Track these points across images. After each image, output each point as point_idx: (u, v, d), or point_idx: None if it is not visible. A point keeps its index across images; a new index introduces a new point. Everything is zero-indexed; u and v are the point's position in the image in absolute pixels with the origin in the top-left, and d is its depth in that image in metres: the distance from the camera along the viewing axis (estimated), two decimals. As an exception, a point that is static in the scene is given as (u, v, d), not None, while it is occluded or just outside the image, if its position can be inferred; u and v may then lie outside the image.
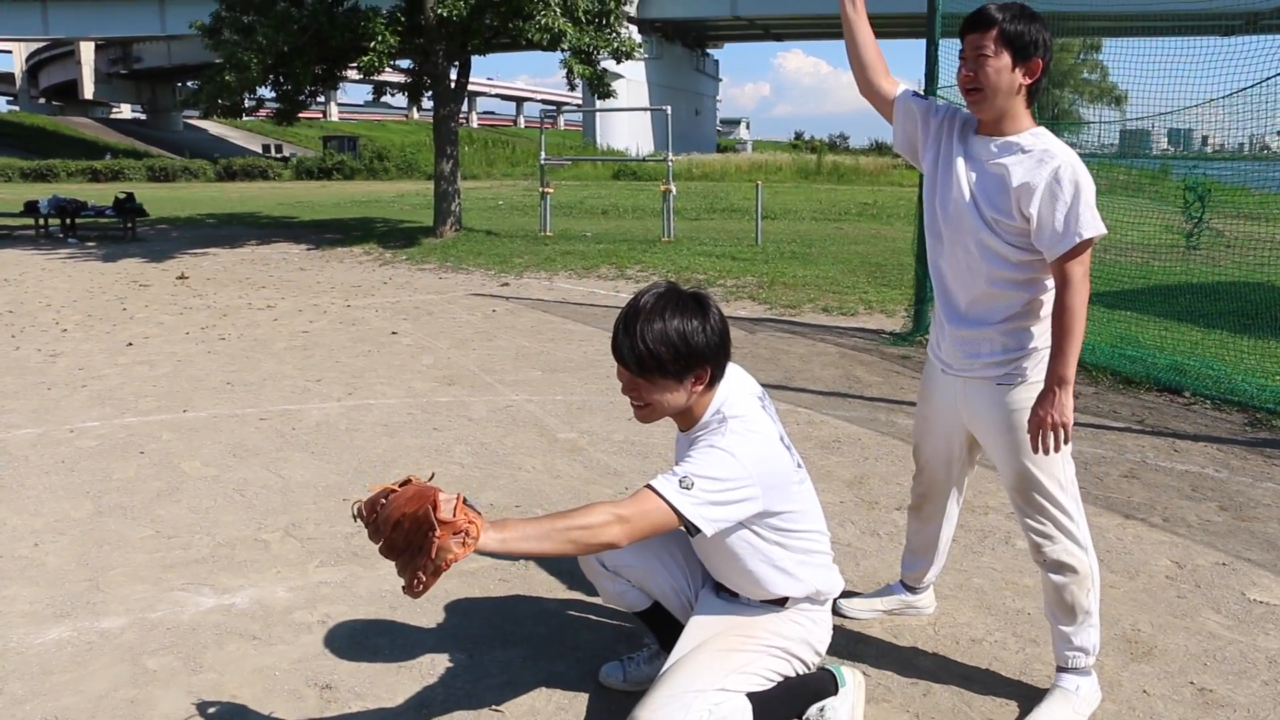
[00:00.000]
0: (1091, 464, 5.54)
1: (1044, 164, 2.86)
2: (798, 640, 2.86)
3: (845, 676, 3.03)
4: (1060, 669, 3.14)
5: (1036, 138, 2.93)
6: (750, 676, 2.74)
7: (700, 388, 2.75)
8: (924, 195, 3.23)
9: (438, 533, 2.20)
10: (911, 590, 3.75)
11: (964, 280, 3.08)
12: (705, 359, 2.70)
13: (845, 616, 3.74)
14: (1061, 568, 3.05)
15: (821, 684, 2.98)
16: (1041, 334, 2.99)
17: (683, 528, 2.53)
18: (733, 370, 2.89)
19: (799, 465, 2.85)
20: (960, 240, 3.04)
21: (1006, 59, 2.88)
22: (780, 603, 2.88)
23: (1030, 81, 2.91)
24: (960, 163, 3.03)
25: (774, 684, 2.82)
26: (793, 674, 2.86)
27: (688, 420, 2.81)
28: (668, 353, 2.64)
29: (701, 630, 2.86)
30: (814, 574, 2.86)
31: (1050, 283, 2.94)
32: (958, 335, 3.12)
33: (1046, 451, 2.89)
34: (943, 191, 3.08)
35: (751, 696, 2.72)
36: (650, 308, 2.68)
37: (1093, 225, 2.81)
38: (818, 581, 2.87)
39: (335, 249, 17.76)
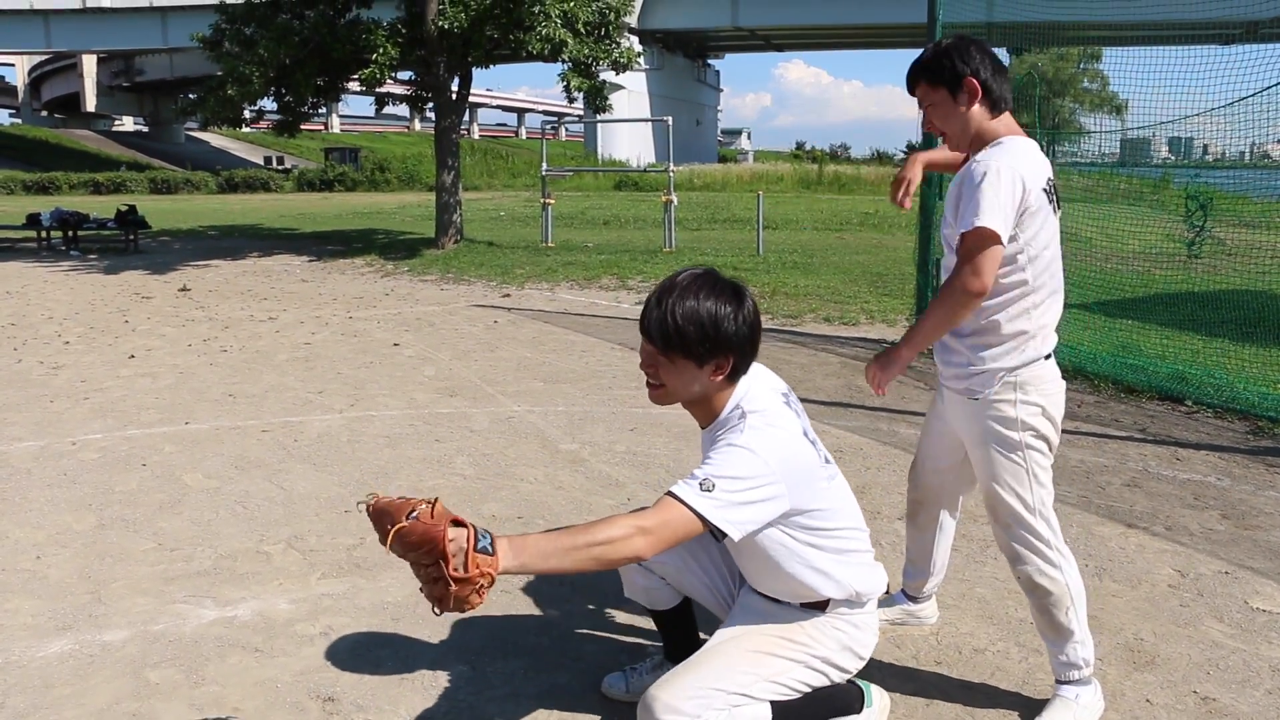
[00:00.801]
0: (1094, 473, 5.53)
1: (967, 167, 2.91)
2: (839, 648, 2.79)
3: (873, 697, 2.98)
4: (1058, 680, 3.14)
5: (993, 148, 2.95)
6: (780, 687, 2.69)
7: (720, 378, 2.65)
8: None
9: (453, 588, 2.20)
10: (913, 600, 3.74)
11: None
12: (730, 347, 2.61)
13: None
14: (1035, 589, 3.06)
15: (848, 699, 2.93)
16: (1000, 355, 2.99)
17: (709, 532, 2.44)
18: (756, 367, 2.79)
19: (827, 461, 2.76)
20: (947, 255, 3.10)
21: (943, 94, 2.99)
22: (821, 606, 2.79)
23: (976, 99, 2.96)
24: (954, 185, 3.07)
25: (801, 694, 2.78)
26: (827, 684, 2.81)
27: (707, 415, 2.72)
28: (695, 332, 2.57)
29: (740, 625, 2.81)
30: (853, 574, 2.78)
31: (1017, 303, 2.96)
32: (941, 345, 3.18)
33: (877, 391, 3.13)
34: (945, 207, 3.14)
35: (774, 704, 2.69)
36: (686, 285, 2.63)
37: (987, 215, 2.78)
38: (857, 582, 2.78)
39: (337, 261, 17.78)
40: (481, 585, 2.22)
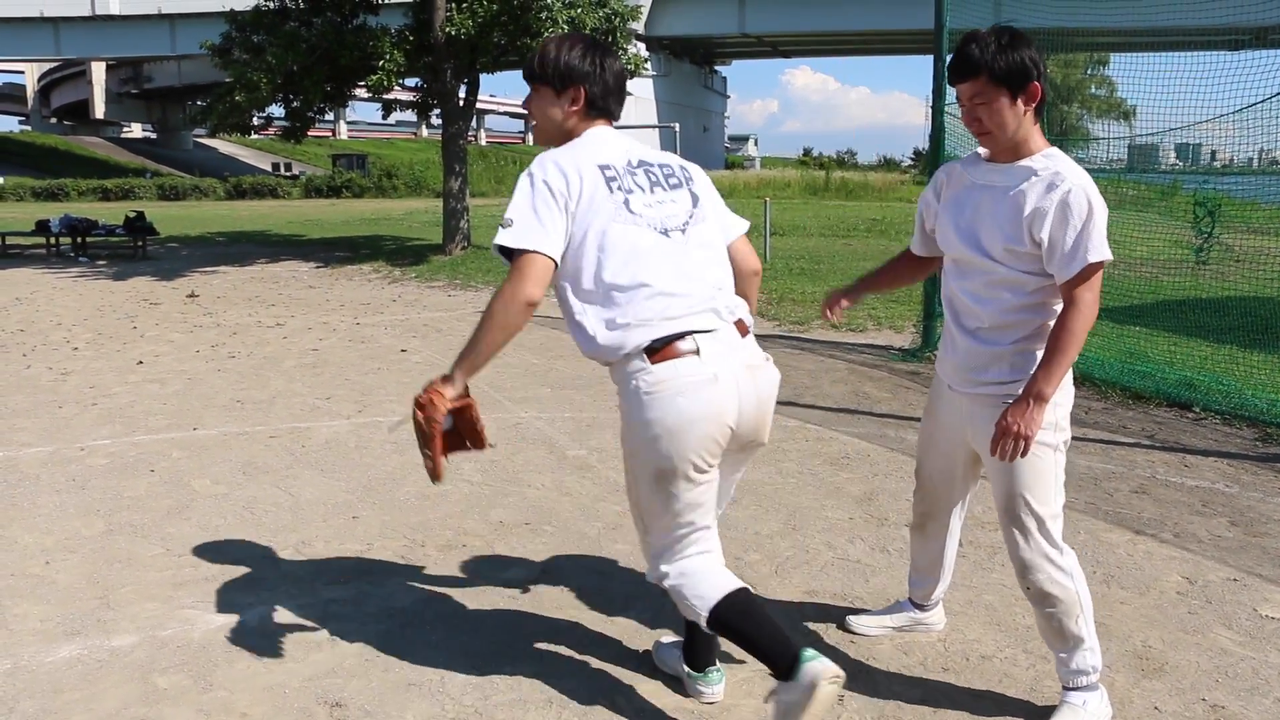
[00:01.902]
0: (1101, 479, 5.53)
1: (1055, 188, 2.82)
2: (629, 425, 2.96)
3: (806, 671, 2.70)
4: (1066, 687, 3.13)
5: (1049, 160, 2.89)
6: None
7: (576, 109, 3.04)
8: (939, 223, 3.21)
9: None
10: (920, 607, 3.73)
11: (978, 305, 3.05)
12: (578, 80, 3.01)
13: (854, 633, 3.73)
14: (1045, 598, 3.03)
15: (784, 651, 2.79)
16: None
17: (551, 262, 2.84)
18: (613, 134, 3.09)
19: (634, 214, 2.93)
20: (974, 267, 3.03)
21: (1004, 97, 2.85)
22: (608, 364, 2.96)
23: (1033, 104, 2.87)
24: (971, 194, 3.03)
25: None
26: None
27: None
28: (541, 58, 3.04)
29: None
30: (624, 333, 2.86)
31: (1060, 306, 2.91)
32: (968, 353, 3.09)
33: (1002, 458, 2.88)
34: (955, 220, 3.08)
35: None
36: (571, 35, 3.12)
37: (1100, 249, 2.78)
38: (625, 337, 2.86)
39: (344, 267, 17.81)
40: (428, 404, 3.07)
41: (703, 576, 2.99)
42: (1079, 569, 3.08)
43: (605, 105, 3.09)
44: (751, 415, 2.98)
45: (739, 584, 2.97)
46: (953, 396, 3.21)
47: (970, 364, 3.09)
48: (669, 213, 2.99)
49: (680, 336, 2.83)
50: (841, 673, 2.73)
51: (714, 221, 3.13)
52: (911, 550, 3.68)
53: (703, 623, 2.95)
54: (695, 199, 3.08)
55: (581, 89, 3.03)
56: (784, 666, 2.76)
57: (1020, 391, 2.91)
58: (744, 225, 3.25)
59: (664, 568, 3.03)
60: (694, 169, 3.19)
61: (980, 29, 2.91)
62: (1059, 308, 2.90)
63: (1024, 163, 2.91)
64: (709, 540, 3.05)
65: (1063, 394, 2.96)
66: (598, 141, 3.04)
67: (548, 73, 3.04)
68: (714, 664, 3.30)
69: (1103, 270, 2.82)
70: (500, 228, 2.84)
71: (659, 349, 2.83)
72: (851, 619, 3.77)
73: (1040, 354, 2.92)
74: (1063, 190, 2.80)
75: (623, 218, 2.90)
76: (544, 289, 2.86)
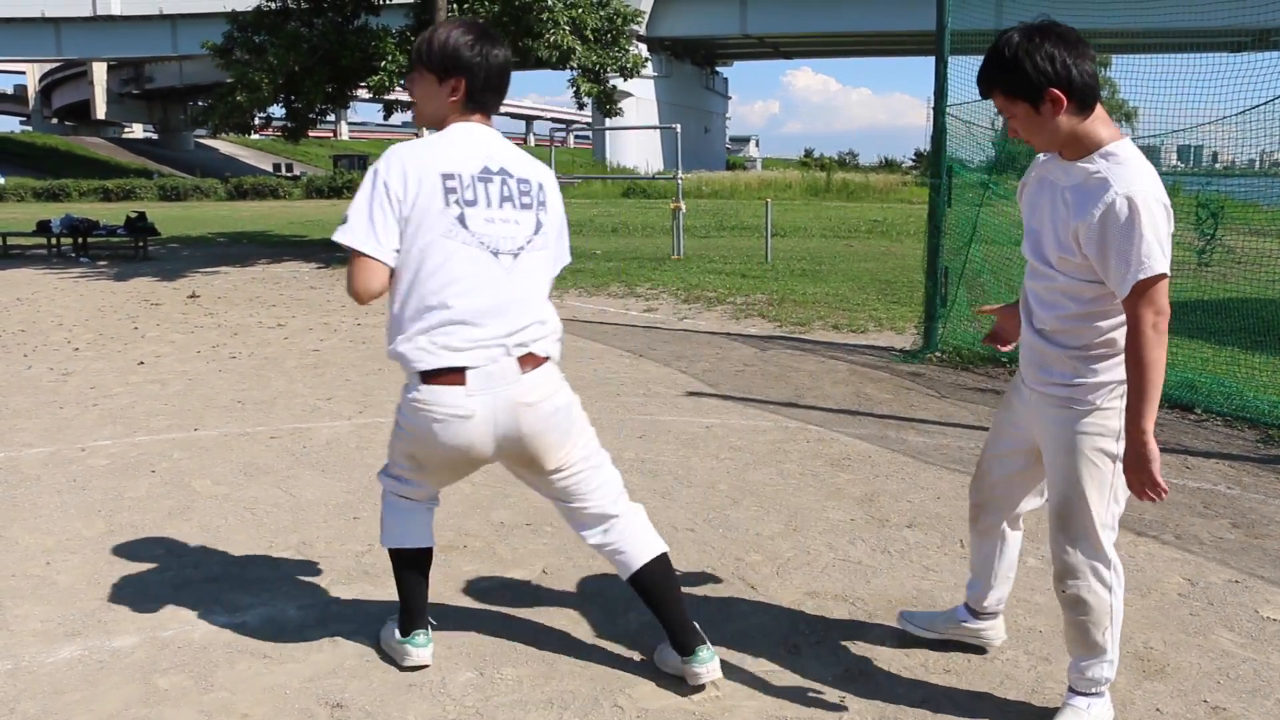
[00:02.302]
0: (1103, 481, 5.52)
1: (1099, 198, 2.69)
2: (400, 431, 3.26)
3: (410, 652, 3.45)
4: (1071, 689, 3.12)
5: (1106, 160, 2.74)
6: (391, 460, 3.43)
7: (455, 99, 3.07)
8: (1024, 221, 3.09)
9: None
10: (975, 614, 3.58)
11: (1041, 308, 2.97)
12: (461, 71, 3.03)
13: (905, 628, 3.69)
14: (1079, 604, 2.99)
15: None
16: (1113, 366, 2.85)
17: (381, 265, 2.98)
18: (481, 132, 3.12)
19: (467, 230, 3.00)
20: (1039, 272, 2.95)
21: (1024, 107, 2.76)
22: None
23: (1063, 106, 2.72)
24: (1040, 193, 2.94)
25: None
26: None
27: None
28: (429, 42, 3.06)
29: None
30: (413, 348, 3.02)
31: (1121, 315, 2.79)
32: (1035, 351, 3.02)
33: (1154, 500, 2.77)
34: (1027, 221, 3.01)
35: None
36: (465, 22, 3.12)
37: (1152, 263, 2.62)
38: (412, 353, 3.03)
39: (346, 268, 17.76)
40: None
41: (398, 521, 3.43)
42: (1120, 583, 3.02)
43: (483, 100, 3.11)
44: (516, 449, 3.18)
45: (424, 545, 3.47)
46: (1025, 391, 3.13)
47: (1037, 362, 3.02)
48: (507, 233, 3.05)
49: (455, 370, 3.01)
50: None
51: (551, 249, 3.20)
52: (970, 550, 3.57)
53: (382, 545, 3.47)
54: (539, 226, 3.14)
55: (463, 80, 3.05)
56: (406, 627, 3.52)
57: (1084, 396, 2.87)
58: (567, 260, 3.35)
59: (385, 484, 3.47)
60: (551, 191, 3.22)
61: (1007, 31, 2.79)
62: (1121, 317, 2.79)
63: (1081, 163, 2.78)
64: (423, 499, 3.45)
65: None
66: (458, 141, 3.07)
67: (433, 59, 3.06)
68: (703, 643, 3.32)
69: (1164, 282, 2.66)
70: (341, 221, 2.97)
71: (433, 375, 3.03)
72: (905, 612, 3.73)
73: (1108, 363, 2.84)
74: (1106, 201, 2.67)
75: (454, 234, 2.98)
76: (378, 286, 3.02)
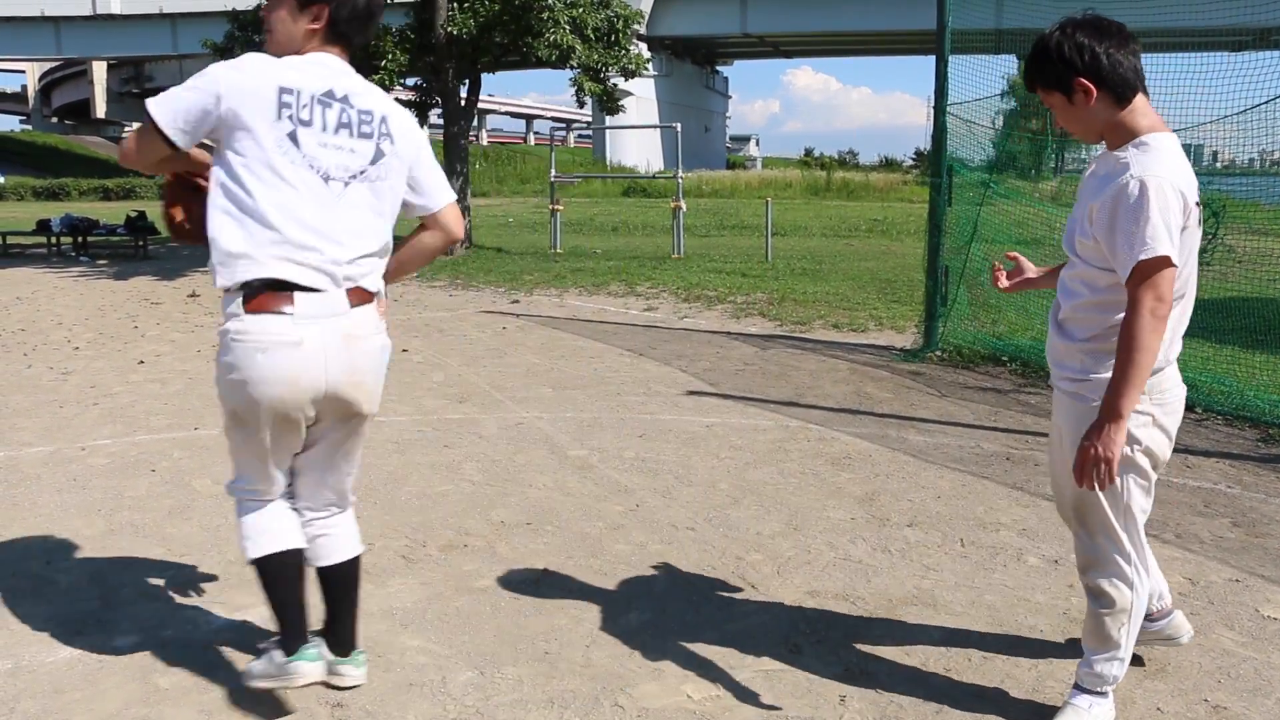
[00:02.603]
0: (1103, 480, 5.51)
1: (1114, 179, 2.73)
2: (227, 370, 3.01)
3: (303, 669, 3.13)
4: (1077, 686, 3.12)
5: (1135, 148, 2.78)
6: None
7: (316, 28, 2.93)
8: None
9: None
10: (1150, 618, 3.43)
11: (1062, 296, 3.02)
12: None
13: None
14: (1100, 595, 3.00)
15: (296, 633, 3.16)
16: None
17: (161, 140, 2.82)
18: (334, 63, 2.98)
19: (298, 150, 2.86)
20: (1069, 260, 3.00)
21: (1058, 98, 2.85)
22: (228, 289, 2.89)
23: (1094, 96, 2.78)
24: (1084, 184, 3.00)
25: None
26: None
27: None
28: None
29: None
30: (235, 264, 2.84)
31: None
32: (1052, 344, 3.05)
33: (1091, 487, 2.77)
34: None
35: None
36: None
37: (1155, 245, 2.63)
38: (235, 267, 2.84)
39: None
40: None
41: (259, 521, 3.17)
42: (1142, 580, 3.02)
43: (347, 31, 2.99)
44: (342, 385, 2.97)
45: (295, 545, 3.17)
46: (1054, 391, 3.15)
47: (1054, 356, 3.05)
48: (340, 161, 2.91)
49: (282, 287, 2.83)
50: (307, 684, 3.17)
51: (391, 181, 3.05)
52: None
53: (247, 558, 3.15)
54: (379, 155, 2.99)
55: (326, 9, 2.92)
56: (291, 645, 3.12)
57: (1090, 393, 2.87)
58: (449, 197, 3.22)
59: (234, 491, 3.23)
60: (403, 129, 3.07)
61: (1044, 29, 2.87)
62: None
63: (1117, 151, 2.82)
64: (275, 490, 3.18)
65: (1146, 402, 2.85)
66: (307, 64, 2.92)
67: None
68: (306, 641, 3.22)
69: (1169, 269, 2.67)
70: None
71: (255, 296, 2.83)
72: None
73: (1112, 356, 2.80)
74: (1120, 183, 2.71)
75: (283, 148, 2.83)
76: (152, 159, 2.93)
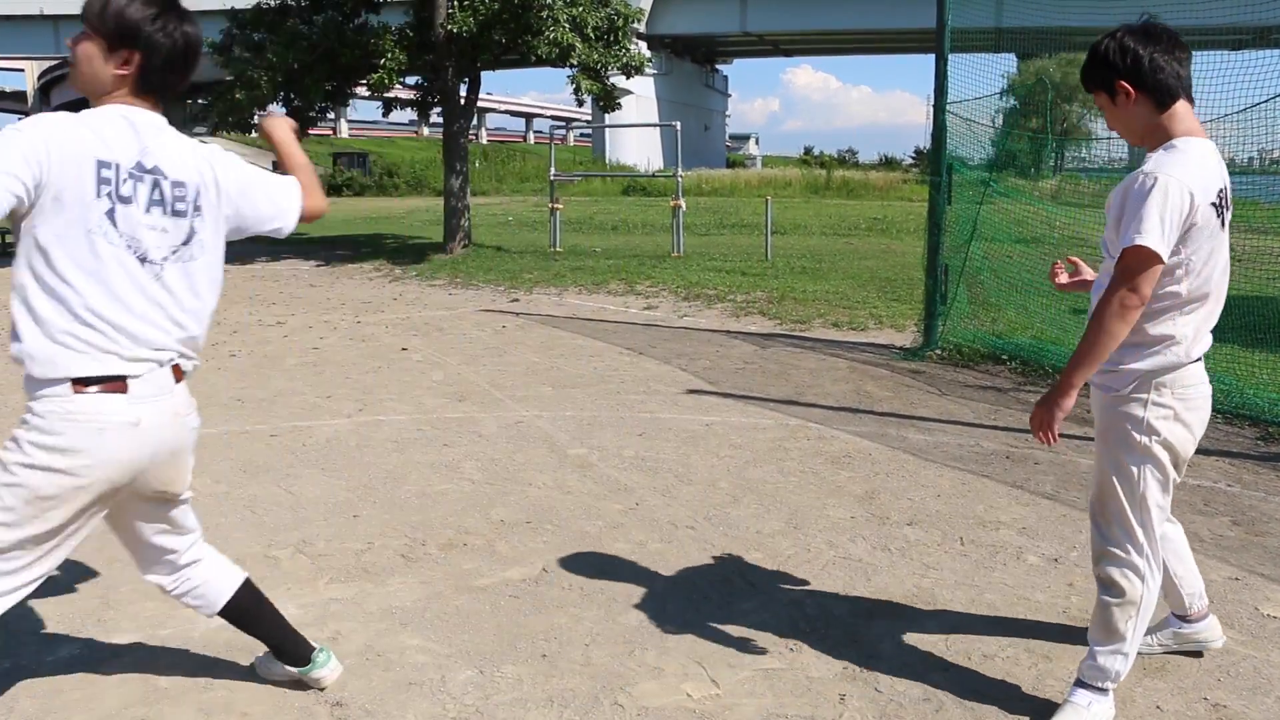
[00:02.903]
0: (1103, 479, 5.52)
1: (1135, 175, 2.83)
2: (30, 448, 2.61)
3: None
4: (1078, 681, 3.12)
5: (1164, 150, 2.86)
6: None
7: (125, 75, 2.66)
8: None
9: None
10: (1182, 619, 3.50)
11: (1094, 293, 3.09)
12: (137, 45, 2.64)
13: None
14: (1111, 586, 3.04)
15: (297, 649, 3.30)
16: (1142, 357, 2.92)
17: None
18: (145, 119, 2.72)
19: (116, 230, 2.62)
20: (1104, 259, 3.07)
21: (1103, 98, 2.97)
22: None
23: (1133, 96, 2.89)
24: None
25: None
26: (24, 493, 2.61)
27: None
28: (105, 2, 2.63)
29: None
30: (62, 351, 2.57)
31: (1161, 310, 2.88)
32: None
33: (1042, 441, 2.97)
34: None
35: None
36: None
37: (1146, 235, 2.71)
38: (61, 357, 2.57)
39: (345, 265, 17.81)
40: None
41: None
42: (1154, 575, 3.04)
43: (160, 82, 2.75)
44: (165, 465, 2.85)
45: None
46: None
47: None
48: (155, 241, 2.71)
49: (116, 378, 2.65)
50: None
51: (210, 261, 2.93)
52: None
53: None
54: (191, 235, 2.81)
55: (137, 55, 2.67)
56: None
57: (1115, 384, 2.97)
58: (297, 203, 3.09)
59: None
60: (217, 183, 2.89)
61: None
62: (1169, 311, 2.89)
63: (1150, 153, 2.93)
64: (39, 571, 2.76)
65: (1169, 396, 2.94)
66: (115, 128, 2.66)
67: (106, 23, 2.65)
68: (314, 648, 3.34)
69: (1150, 263, 2.74)
70: None
71: (87, 382, 2.62)
72: None
73: (1135, 349, 2.93)
74: (1134, 175, 2.83)
75: (103, 230, 2.61)
76: None
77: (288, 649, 3.29)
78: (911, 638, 3.70)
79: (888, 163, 70.51)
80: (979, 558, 4.45)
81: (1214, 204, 2.82)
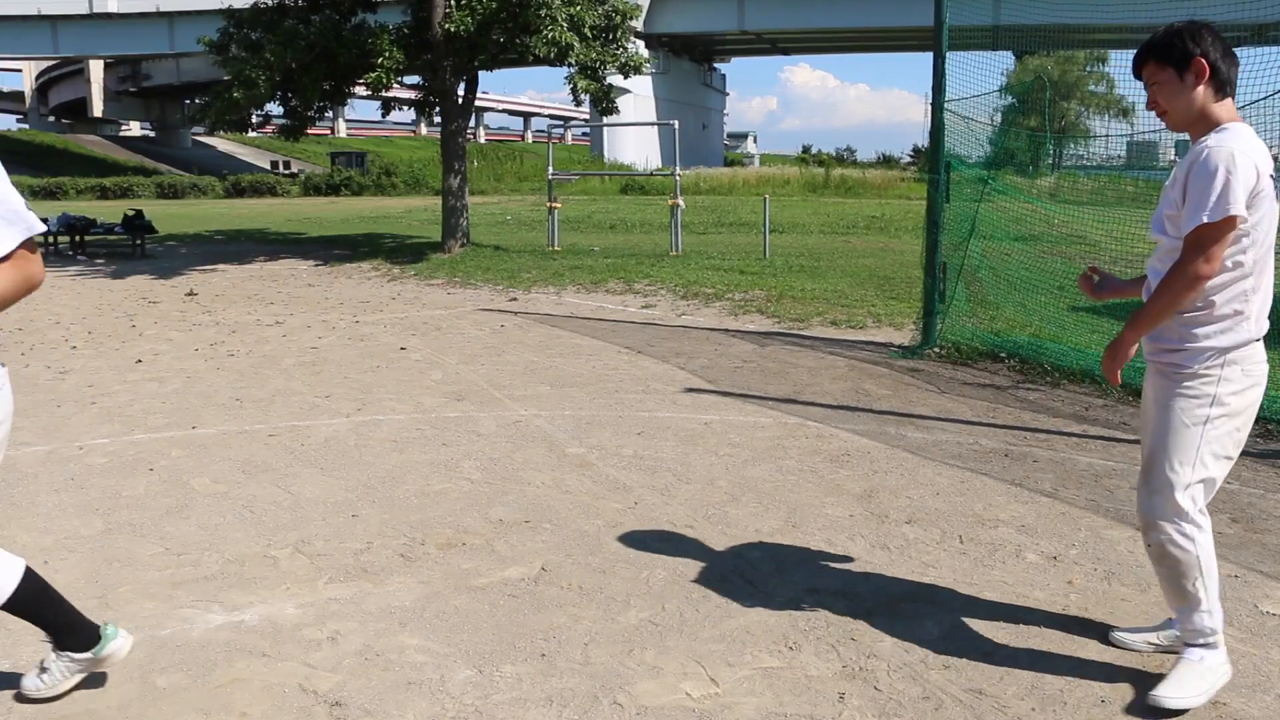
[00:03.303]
0: (1102, 476, 5.52)
1: (1199, 151, 2.97)
2: None
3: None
4: (1186, 643, 3.24)
5: (1217, 133, 3.02)
6: None
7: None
8: None
9: None
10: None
11: (1153, 277, 3.20)
12: None
13: (1117, 646, 3.58)
14: (1163, 556, 3.15)
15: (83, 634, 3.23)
16: (1214, 333, 3.06)
17: None
18: None
19: None
20: (1157, 244, 3.21)
21: (1170, 73, 3.07)
22: None
23: (1203, 80, 3.03)
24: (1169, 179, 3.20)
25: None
26: None
27: None
28: None
29: None
30: None
31: (1235, 284, 3.04)
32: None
33: (1109, 379, 3.13)
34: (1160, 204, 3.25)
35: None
36: None
37: (1217, 210, 2.89)
38: None
39: (344, 265, 17.80)
40: None
41: None
42: (1207, 538, 3.15)
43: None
44: None
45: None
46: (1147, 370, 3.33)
47: (1153, 332, 3.19)
48: None
49: None
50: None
51: None
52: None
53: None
54: None
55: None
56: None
57: (1186, 361, 3.09)
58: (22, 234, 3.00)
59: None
60: None
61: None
62: (1237, 283, 3.04)
63: (1203, 138, 3.05)
64: None
65: (1238, 372, 3.08)
66: None
67: None
68: (99, 625, 3.31)
69: (1221, 235, 2.93)
70: None
71: None
72: (1115, 633, 3.62)
73: (1206, 325, 3.07)
74: (1196, 151, 2.98)
75: None
76: None
77: (76, 633, 3.24)
78: (911, 636, 3.70)
79: (886, 161, 70.51)
80: (978, 555, 4.45)
81: (1272, 176, 3.00)
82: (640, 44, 31.02)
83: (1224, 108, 3.07)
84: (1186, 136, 3.17)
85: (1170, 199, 3.08)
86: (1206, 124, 3.07)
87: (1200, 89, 3.04)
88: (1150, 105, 3.18)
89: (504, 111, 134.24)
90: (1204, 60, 3.02)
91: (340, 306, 12.73)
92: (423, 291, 14.15)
